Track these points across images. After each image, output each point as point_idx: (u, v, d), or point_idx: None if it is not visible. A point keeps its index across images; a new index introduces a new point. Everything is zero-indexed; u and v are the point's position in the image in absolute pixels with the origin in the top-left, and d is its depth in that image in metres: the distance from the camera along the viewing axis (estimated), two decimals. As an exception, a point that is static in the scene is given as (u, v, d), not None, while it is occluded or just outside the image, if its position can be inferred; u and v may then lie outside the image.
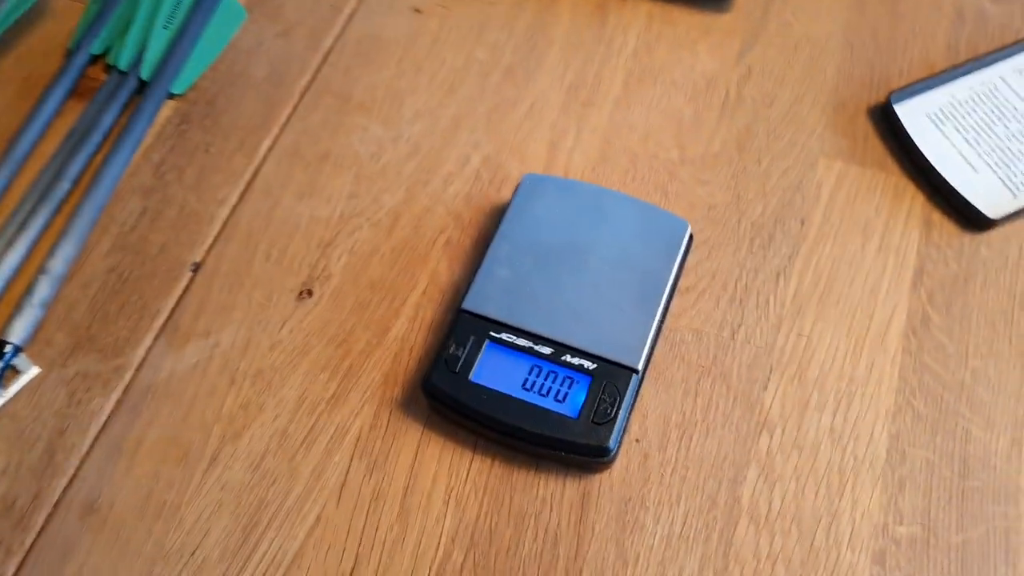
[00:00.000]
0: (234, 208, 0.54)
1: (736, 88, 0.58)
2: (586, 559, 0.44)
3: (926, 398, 0.48)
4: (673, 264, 0.48)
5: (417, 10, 0.62)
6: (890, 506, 0.45)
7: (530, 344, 0.46)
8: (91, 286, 0.51)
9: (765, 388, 0.48)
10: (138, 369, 0.49)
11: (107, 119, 0.56)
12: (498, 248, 0.49)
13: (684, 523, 0.45)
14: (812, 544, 0.44)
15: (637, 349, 0.46)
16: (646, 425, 0.47)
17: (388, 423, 0.47)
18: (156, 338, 0.50)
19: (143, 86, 0.58)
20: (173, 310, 0.51)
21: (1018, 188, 0.53)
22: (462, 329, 0.47)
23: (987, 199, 0.53)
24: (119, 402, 0.48)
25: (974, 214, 0.52)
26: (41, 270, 0.51)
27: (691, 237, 0.50)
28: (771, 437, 0.47)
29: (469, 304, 0.47)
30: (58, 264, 0.51)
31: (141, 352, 0.50)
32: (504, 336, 0.46)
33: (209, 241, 0.53)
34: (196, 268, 0.52)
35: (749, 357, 0.49)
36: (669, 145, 0.56)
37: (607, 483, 0.46)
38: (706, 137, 0.56)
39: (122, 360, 0.49)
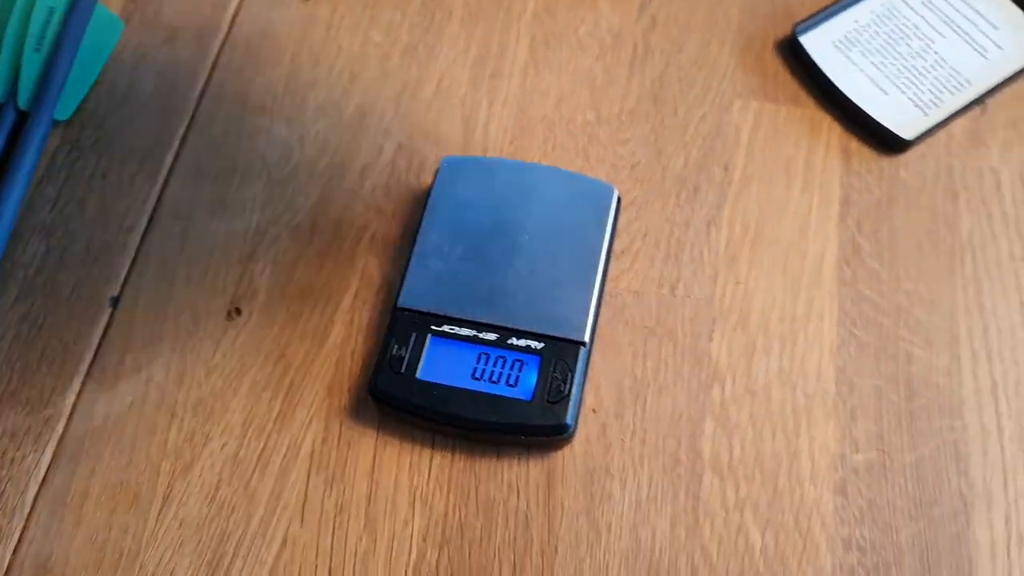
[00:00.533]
0: (144, 234, 0.52)
1: (643, 40, 0.57)
2: (559, 536, 0.44)
3: (866, 326, 0.49)
4: (605, 231, 0.48)
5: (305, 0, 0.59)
6: (845, 437, 0.46)
7: (474, 332, 0.45)
8: (4, 338, 0.49)
9: (710, 339, 0.48)
10: (70, 417, 0.47)
11: (-9, 158, 0.53)
12: (425, 239, 0.48)
13: (650, 485, 0.45)
14: (776, 486, 0.45)
15: (582, 322, 0.45)
16: (600, 394, 0.47)
17: (340, 433, 0.46)
18: (84, 382, 0.48)
19: (24, 117, 0.54)
20: (97, 350, 0.48)
21: (928, 106, 0.54)
22: (401, 327, 0.46)
23: (900, 120, 0.53)
24: (56, 454, 0.46)
25: (889, 137, 0.53)
26: (-53, 330, 0.48)
27: (619, 200, 0.49)
28: (722, 387, 0.47)
29: (405, 301, 0.46)
30: (-36, 321, 0.48)
31: (70, 399, 0.47)
32: (446, 328, 0.45)
33: (124, 273, 0.51)
34: (115, 303, 0.50)
35: (691, 311, 0.49)
36: (584, 107, 0.55)
37: (570, 458, 0.45)
38: (620, 94, 0.56)
39: (51, 410, 0.47)
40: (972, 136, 0.54)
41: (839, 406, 0.47)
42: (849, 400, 0.47)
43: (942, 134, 0.54)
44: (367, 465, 0.46)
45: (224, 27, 0.58)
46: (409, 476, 0.45)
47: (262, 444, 0.46)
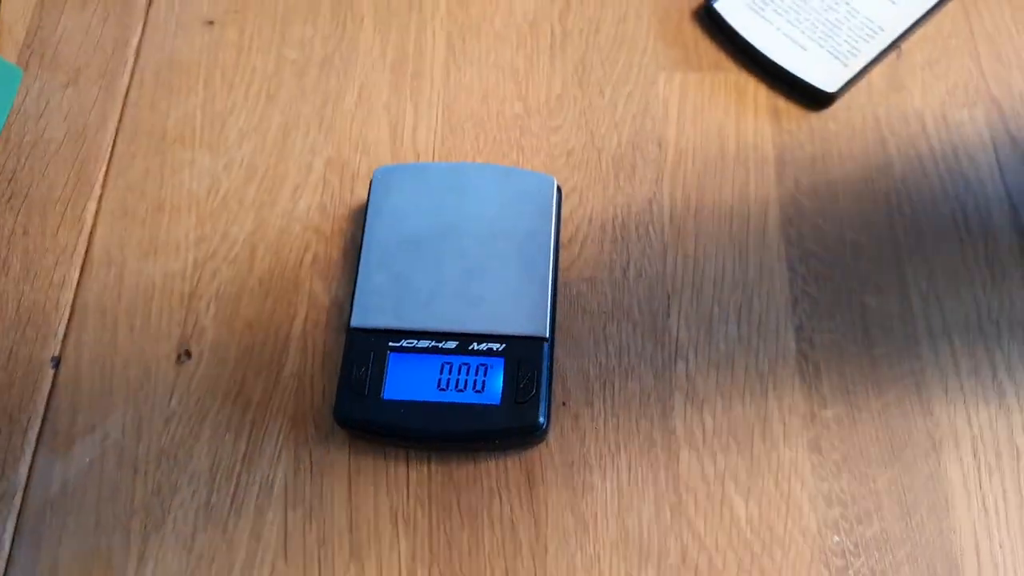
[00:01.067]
0: (77, 288, 0.50)
1: (560, 23, 0.57)
2: (548, 535, 0.43)
3: (817, 282, 0.49)
4: (550, 223, 0.47)
5: (210, 22, 0.57)
6: (812, 394, 0.46)
7: (433, 343, 0.44)
8: (-57, 417, 0.46)
9: (668, 316, 0.48)
10: (27, 489, 0.45)
11: (-99, 229, 0.50)
12: (368, 254, 0.47)
13: (630, 470, 0.45)
14: (752, 452, 0.45)
15: (540, 317, 0.45)
16: (568, 386, 0.47)
17: (312, 463, 0.45)
18: (36, 450, 0.46)
19: (-69, 182, 0.52)
20: (45, 415, 0.47)
21: (847, 57, 0.54)
22: (358, 348, 0.45)
23: (822, 75, 0.54)
24: (17, 530, 0.44)
25: (814, 92, 0.53)
26: None
27: (559, 190, 0.49)
28: (686, 362, 0.47)
29: (357, 320, 0.45)
30: (-102, 404, 0.46)
31: (23, 470, 0.45)
32: (404, 343, 0.45)
33: (61, 330, 0.49)
34: (56, 363, 0.48)
35: (645, 290, 0.49)
36: (511, 99, 0.55)
37: (547, 454, 0.45)
38: (544, 82, 0.55)
39: (5, 485, 0.45)
40: (892, 81, 0.55)
41: (802, 364, 0.47)
42: (811, 356, 0.47)
43: (863, 83, 0.55)
44: (343, 493, 0.45)
45: (128, 61, 0.56)
46: (388, 497, 0.44)
47: (233, 486, 0.45)
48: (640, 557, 0.43)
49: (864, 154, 0.53)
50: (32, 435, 0.46)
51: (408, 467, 0.45)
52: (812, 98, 0.54)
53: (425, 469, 0.45)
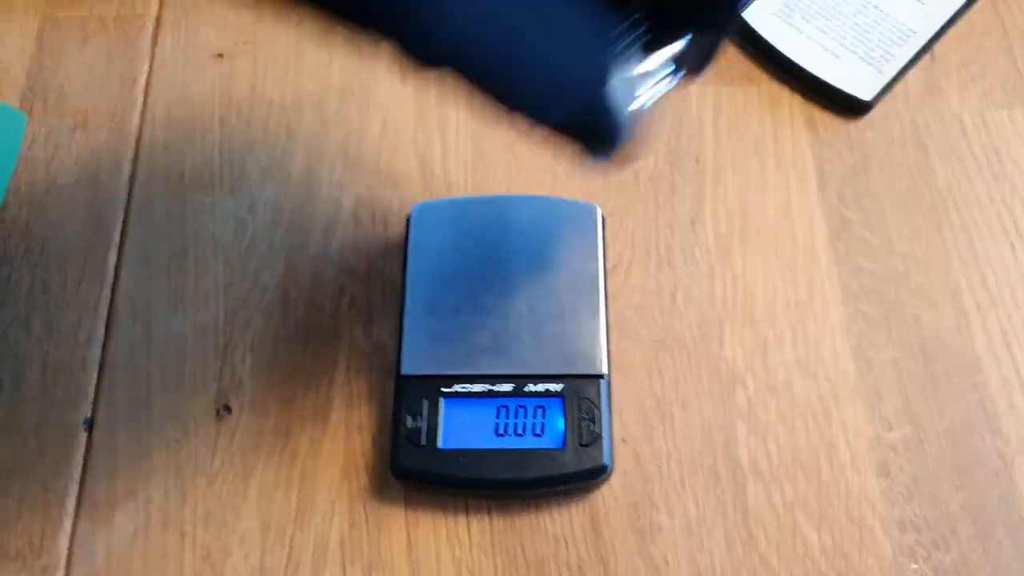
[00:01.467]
0: (104, 345, 0.47)
1: (583, 41, 0.55)
2: (618, 580, 0.42)
3: (870, 298, 0.48)
4: (597, 253, 0.46)
5: (219, 55, 0.55)
6: (875, 416, 0.45)
7: (487, 387, 0.43)
8: (-26, 491, 0.44)
9: (721, 342, 0.47)
10: (69, 563, 0.43)
11: (-87, 292, 0.48)
12: (413, 298, 0.45)
13: (697, 507, 0.44)
14: (820, 480, 0.44)
15: (596, 352, 0.43)
16: (625, 421, 0.45)
17: (367, 516, 0.44)
18: (75, 520, 0.44)
19: (-60, 240, 0.49)
20: (82, 482, 0.44)
21: (880, 62, 0.53)
22: (410, 397, 0.43)
23: (856, 82, 0.53)
24: (62, 607, 0.42)
25: (850, 100, 0.52)
26: (-91, 496, 0.43)
27: (603, 218, 0.47)
28: (745, 389, 0.46)
29: (407, 368, 0.43)
30: (-74, 482, 0.43)
31: (64, 542, 0.43)
32: (457, 388, 0.43)
33: (91, 391, 0.46)
34: (89, 426, 0.46)
35: (696, 316, 0.48)
36: (539, 122, 0.53)
37: (610, 496, 0.44)
38: (573, 102, 0.53)
39: (46, 559, 0.43)
40: (928, 85, 0.54)
41: (862, 386, 0.46)
42: (870, 378, 0.46)
43: (899, 89, 0.53)
44: (403, 545, 0.43)
45: (138, 100, 0.54)
46: (449, 548, 0.43)
47: (287, 546, 0.43)
48: (715, 597, 0.42)
49: (906, 162, 0.51)
50: (70, 505, 0.44)
51: (468, 515, 0.43)
52: (848, 106, 0.53)
53: (486, 517, 0.43)
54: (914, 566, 0.42)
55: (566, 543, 0.43)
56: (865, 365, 0.46)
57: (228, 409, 0.46)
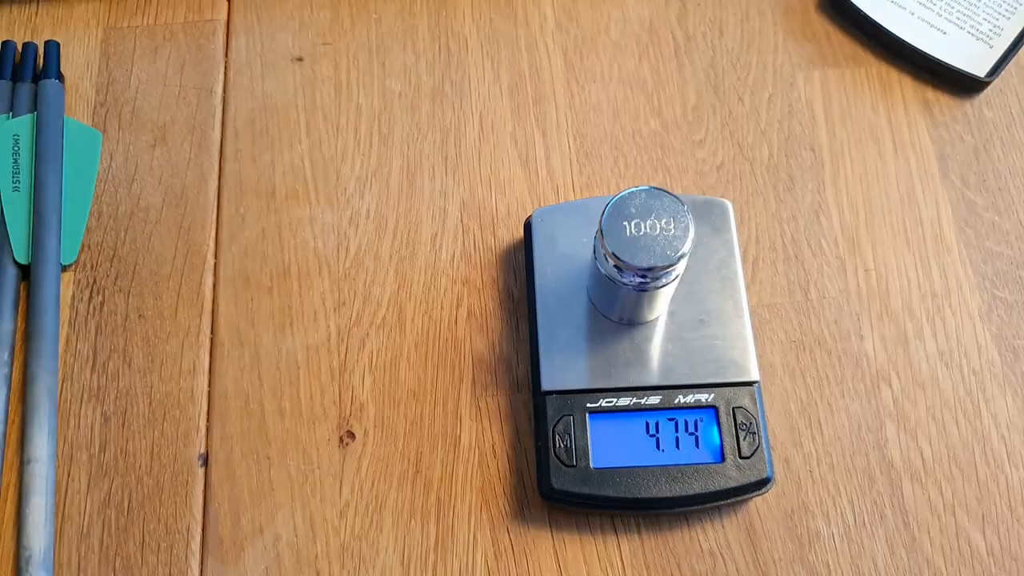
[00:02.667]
0: (210, 373, 0.45)
1: (680, 27, 0.53)
2: (781, 593, 0.40)
3: (1006, 284, 0.46)
4: (735, 250, 0.44)
5: (299, 58, 0.52)
6: (1026, 407, 0.44)
7: (634, 400, 0.41)
8: (91, 536, 0.42)
9: (861, 337, 0.45)
10: (201, 607, 0.41)
11: (3, 329, 0.45)
12: (544, 308, 0.43)
13: (854, 511, 0.42)
14: (977, 477, 0.42)
15: (746, 357, 0.41)
16: (772, 427, 0.43)
17: (511, 543, 0.41)
18: (203, 560, 0.41)
19: (25, 272, 0.46)
20: (204, 520, 0.42)
21: (989, 36, 0.51)
22: (554, 414, 0.41)
23: (968, 59, 0.51)
24: (200, 655, 0.40)
25: (964, 78, 0.50)
26: (18, 556, 0.40)
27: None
28: (890, 386, 0.44)
29: (548, 383, 0.41)
30: (34, 543, 0.40)
31: (194, 586, 0.41)
32: (603, 403, 0.41)
33: (203, 424, 0.44)
34: (205, 461, 0.43)
35: (832, 312, 0.46)
36: (644, 115, 0.51)
37: (764, 507, 0.42)
38: (677, 92, 0.51)
39: (177, 605, 0.41)
40: (1041, 59, 0.52)
41: (1009, 375, 0.44)
42: (1016, 366, 0.45)
43: (1013, 64, 0.51)
44: (553, 571, 0.41)
45: (216, 110, 0.51)
46: (602, 571, 0.41)
47: (430, 578, 0.41)
48: (884, 605, 0.40)
49: (1027, 140, 0.50)
50: (195, 545, 0.42)
51: (617, 535, 0.42)
52: (962, 85, 0.51)
53: (636, 536, 0.41)
54: (1086, 562, 0.41)
55: (723, 557, 0.41)
56: (1010, 354, 0.45)
57: (352, 435, 0.43)
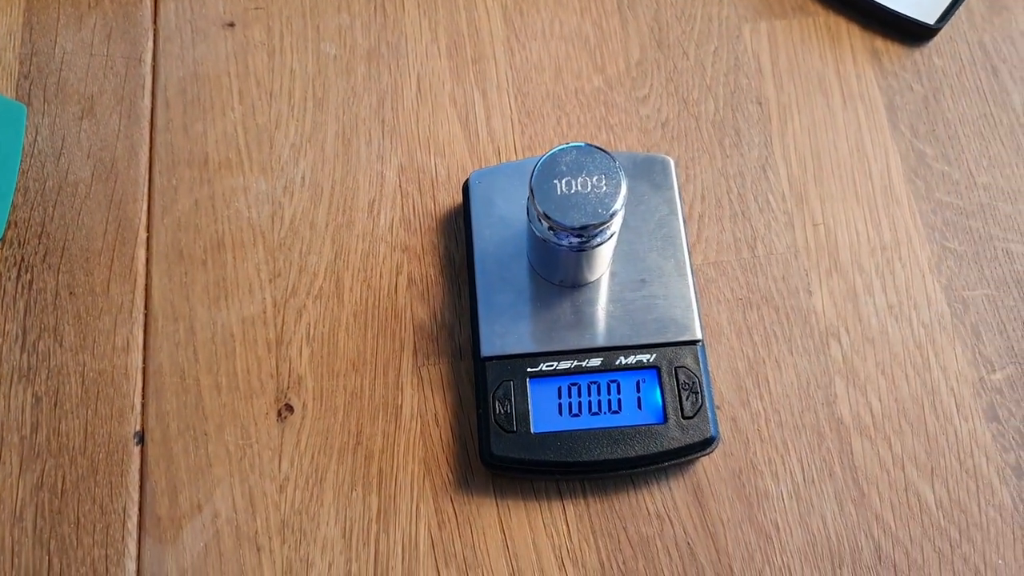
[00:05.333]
0: (144, 349, 0.44)
1: (623, -19, 0.51)
2: (730, 553, 0.40)
3: (956, 234, 0.45)
4: (677, 208, 0.42)
5: (230, 24, 0.51)
6: (976, 358, 0.43)
7: (575, 363, 0.40)
8: (25, 521, 0.40)
9: (810, 293, 0.44)
10: (139, 588, 0.40)
11: (-73, 310, 0.43)
12: (483, 273, 0.42)
13: (803, 469, 0.41)
14: (927, 431, 0.42)
15: (689, 316, 0.40)
16: (718, 387, 0.42)
17: (455, 512, 0.41)
18: (140, 540, 0.40)
19: (-50, 250, 0.45)
20: (141, 500, 0.41)
21: (939, -18, 0.50)
22: (494, 380, 0.40)
23: (917, 6, 0.49)
24: (138, 637, 0.39)
25: (912, 26, 0.49)
26: (-45, 533, 0.39)
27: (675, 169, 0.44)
28: (839, 341, 0.43)
29: (488, 349, 0.40)
30: (-28, 516, 0.39)
31: (131, 566, 0.40)
32: (543, 367, 0.40)
33: (138, 401, 0.43)
34: (140, 439, 0.42)
35: (780, 268, 0.45)
36: (587, 72, 0.49)
37: (711, 466, 0.41)
38: (620, 48, 0.50)
39: (113, 587, 0.40)
40: (992, 4, 0.51)
41: (959, 327, 0.44)
42: (966, 318, 0.44)
43: (962, 11, 0.50)
44: (497, 539, 0.40)
45: (146, 79, 0.49)
46: (548, 537, 0.40)
47: (373, 550, 0.40)
48: (833, 562, 0.40)
49: (978, 86, 0.49)
50: (131, 525, 0.41)
51: (563, 501, 0.41)
52: (912, 33, 0.50)
53: (581, 501, 0.41)
54: (1036, 512, 0.40)
55: (670, 519, 0.40)
56: (960, 306, 0.44)
57: (290, 408, 0.42)
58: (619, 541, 0.40)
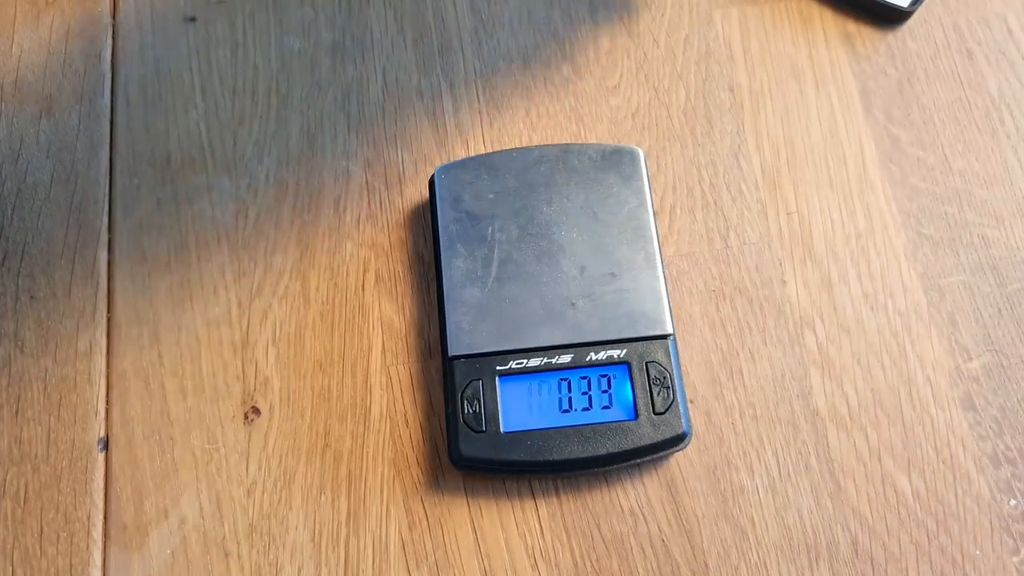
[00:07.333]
0: (108, 353, 0.43)
1: (591, -32, 0.51)
2: (705, 550, 0.39)
3: (932, 220, 0.45)
4: (647, 200, 0.42)
5: (191, 18, 0.49)
6: (952, 347, 0.42)
7: (545, 360, 0.39)
8: (-13, 530, 0.40)
9: (784, 283, 0.44)
10: (104, 597, 0.39)
11: None
12: (450, 270, 0.41)
13: (779, 462, 0.41)
14: (903, 421, 0.41)
15: (659, 310, 0.40)
16: (691, 381, 0.42)
17: (426, 513, 0.40)
18: (105, 547, 0.40)
19: (-94, 255, 0.44)
20: (106, 507, 0.40)
21: (913, -37, 0.49)
22: (462, 379, 0.39)
23: (891, -12, 0.49)
24: (104, 647, 0.38)
25: (885, 9, 0.48)
26: (-86, 546, 0.38)
27: (646, 159, 0.43)
28: (814, 332, 0.43)
29: (455, 348, 0.39)
30: (-68, 528, 0.39)
31: (97, 575, 0.39)
32: (512, 365, 0.39)
33: (101, 407, 0.42)
34: (105, 445, 0.41)
35: (753, 258, 0.44)
36: (556, 61, 0.48)
37: (685, 462, 0.41)
38: (589, 36, 0.49)
39: (79, 597, 0.39)
40: (966, -15, 0.50)
41: (935, 315, 0.43)
42: (942, 306, 0.43)
43: (937, -9, 0.50)
44: (469, 540, 0.40)
45: (106, 77, 0.48)
46: (521, 537, 0.40)
47: (343, 553, 0.39)
48: (809, 556, 0.39)
49: (952, 70, 0.48)
50: (96, 533, 0.40)
51: (535, 500, 0.40)
52: (884, 16, 0.49)
53: (554, 500, 0.40)
54: (1013, 502, 0.40)
55: (644, 517, 0.40)
56: (936, 293, 0.43)
57: (256, 411, 0.42)
58: (592, 539, 0.39)
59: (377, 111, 0.47)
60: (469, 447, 0.38)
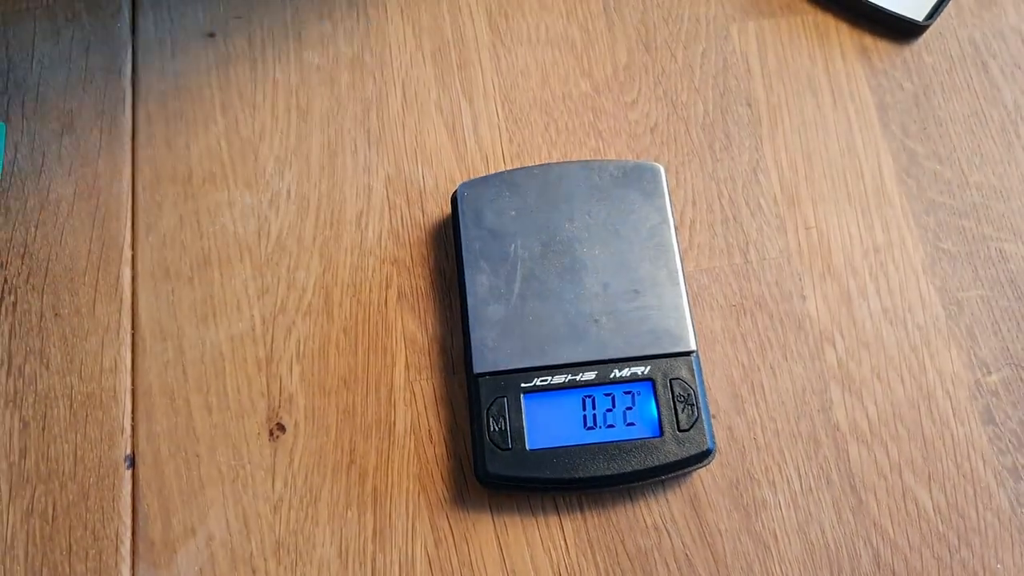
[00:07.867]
0: (133, 371, 0.43)
1: (608, -18, 0.51)
2: (728, 564, 0.40)
3: (949, 235, 0.45)
4: (668, 217, 0.42)
5: (210, 34, 0.50)
6: (972, 360, 0.43)
7: (569, 377, 0.39)
8: (16, 549, 0.40)
9: (803, 298, 0.44)
10: (134, 614, 0.39)
11: (-90, 336, 0.43)
12: (473, 287, 0.41)
13: (800, 477, 0.41)
14: (923, 435, 0.42)
15: (682, 327, 0.40)
16: (714, 396, 0.42)
17: (451, 529, 0.40)
18: (133, 566, 0.40)
19: (-69, 273, 0.44)
20: (133, 524, 0.41)
21: (928, -23, 0.50)
22: (487, 396, 0.39)
23: (905, 2, 0.49)
24: (134, 664, 0.39)
25: (901, 23, 0.49)
26: (-55, 565, 0.39)
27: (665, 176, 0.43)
28: (834, 346, 0.43)
29: (480, 365, 0.40)
30: (-38, 546, 0.39)
31: (125, 593, 0.40)
32: (537, 382, 0.39)
33: (127, 424, 0.42)
34: (131, 462, 0.42)
35: (773, 273, 0.44)
36: (574, 77, 0.49)
37: (708, 477, 0.41)
38: (607, 51, 0.49)
39: (108, 614, 0.39)
40: (981, 0, 0.50)
41: (954, 329, 0.43)
42: (961, 320, 0.44)
43: (951, 6, 0.50)
44: (495, 555, 0.40)
45: (126, 94, 0.48)
46: (546, 553, 0.40)
47: (369, 570, 0.40)
48: (831, 570, 0.39)
49: (968, 83, 0.48)
50: (125, 550, 0.40)
51: (560, 516, 0.40)
52: (900, 30, 0.49)
53: (579, 515, 0.40)
54: (1033, 515, 0.40)
55: (668, 532, 0.40)
56: (955, 307, 0.44)
57: (282, 427, 0.42)
58: (617, 555, 0.40)
59: (397, 126, 0.47)
60: (495, 464, 0.38)
